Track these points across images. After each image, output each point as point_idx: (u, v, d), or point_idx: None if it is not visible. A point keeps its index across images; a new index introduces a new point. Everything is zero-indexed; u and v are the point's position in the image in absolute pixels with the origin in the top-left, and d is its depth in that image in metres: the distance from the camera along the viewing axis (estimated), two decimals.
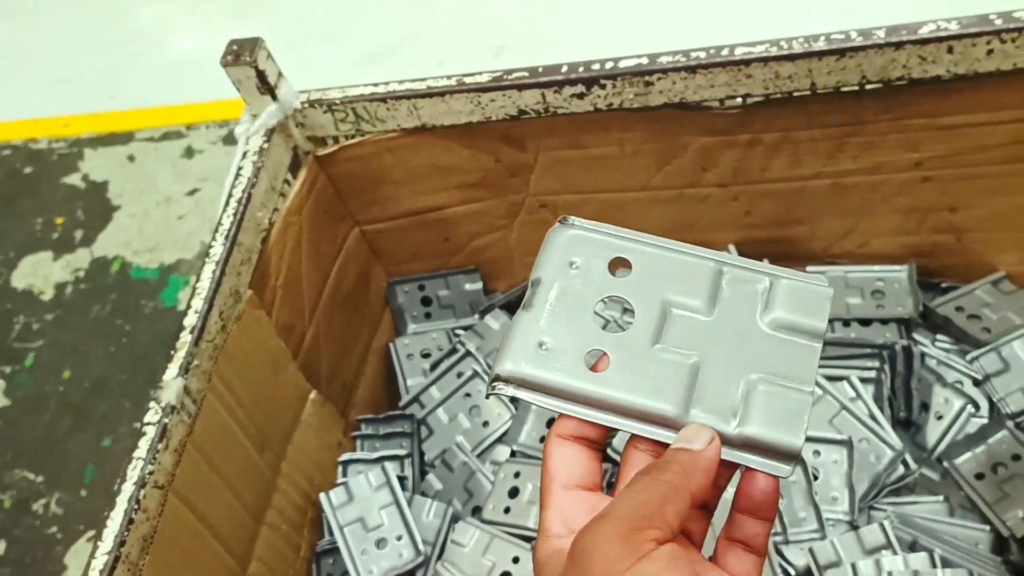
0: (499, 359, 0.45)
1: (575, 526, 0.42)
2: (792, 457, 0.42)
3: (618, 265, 0.47)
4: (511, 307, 1.14)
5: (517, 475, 0.97)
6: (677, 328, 0.45)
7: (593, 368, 0.44)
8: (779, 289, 0.46)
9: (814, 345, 0.45)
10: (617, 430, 0.44)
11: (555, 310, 0.45)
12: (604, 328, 0.45)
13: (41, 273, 1.85)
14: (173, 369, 0.78)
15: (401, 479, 0.98)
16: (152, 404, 0.75)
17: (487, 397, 0.43)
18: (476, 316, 1.16)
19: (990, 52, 0.82)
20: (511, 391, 0.44)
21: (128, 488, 0.71)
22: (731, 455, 0.43)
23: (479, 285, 1.17)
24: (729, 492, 0.45)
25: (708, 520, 0.45)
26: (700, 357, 0.44)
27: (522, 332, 0.45)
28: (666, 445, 0.43)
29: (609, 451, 0.92)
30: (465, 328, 1.15)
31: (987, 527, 0.88)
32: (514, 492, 0.97)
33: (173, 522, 0.74)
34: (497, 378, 0.44)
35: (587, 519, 0.40)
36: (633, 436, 0.44)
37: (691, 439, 0.42)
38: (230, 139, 1.98)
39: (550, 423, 1.01)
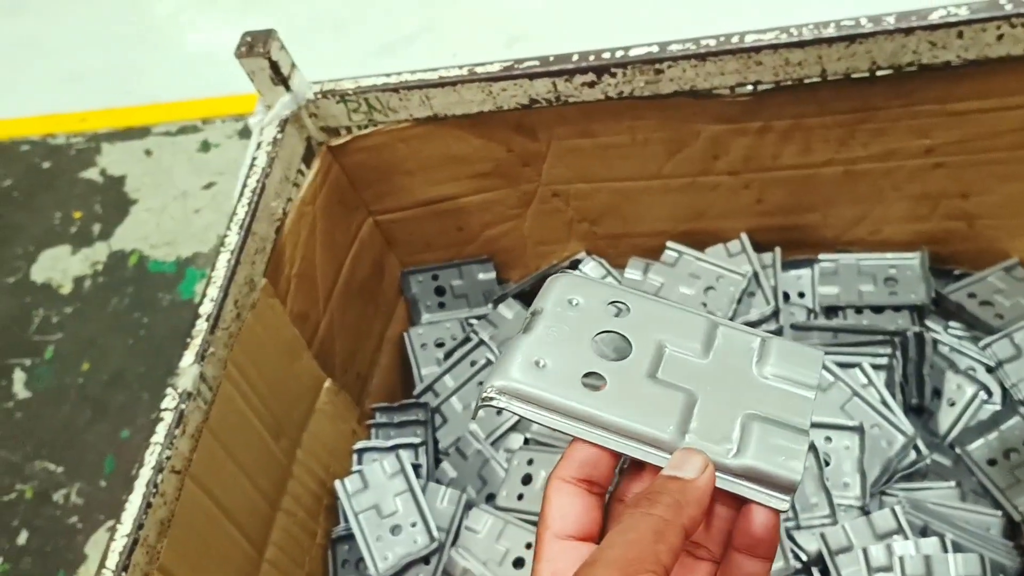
0: (493, 374, 0.45)
1: None
2: (790, 490, 0.42)
3: (616, 306, 0.48)
4: (524, 296, 1.15)
5: (531, 462, 0.98)
6: (673, 365, 0.46)
7: (588, 389, 0.44)
8: (771, 346, 0.47)
9: (807, 394, 0.45)
10: (620, 472, 0.44)
11: (553, 334, 0.46)
12: (601, 356, 0.46)
13: (60, 267, 1.87)
14: (189, 356, 0.79)
15: (415, 467, 0.99)
16: (169, 390, 0.77)
17: (476, 411, 0.42)
18: (489, 306, 1.17)
19: (1000, 37, 0.82)
20: (503, 402, 0.44)
21: (146, 473, 0.72)
22: (727, 484, 0.42)
23: (492, 275, 1.17)
24: None
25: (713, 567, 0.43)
26: (696, 390, 0.45)
27: (519, 351, 0.45)
28: (659, 470, 0.42)
29: None
30: (479, 318, 1.16)
31: (999, 512, 0.88)
32: (527, 479, 0.97)
33: (190, 507, 0.76)
34: (490, 390, 0.44)
35: None
36: (619, 489, 0.44)
37: (681, 465, 0.41)
38: (246, 133, 2.00)
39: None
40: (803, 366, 0.46)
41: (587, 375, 0.45)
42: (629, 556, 0.36)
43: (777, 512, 0.42)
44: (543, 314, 0.47)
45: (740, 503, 0.43)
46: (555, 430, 0.44)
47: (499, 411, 0.44)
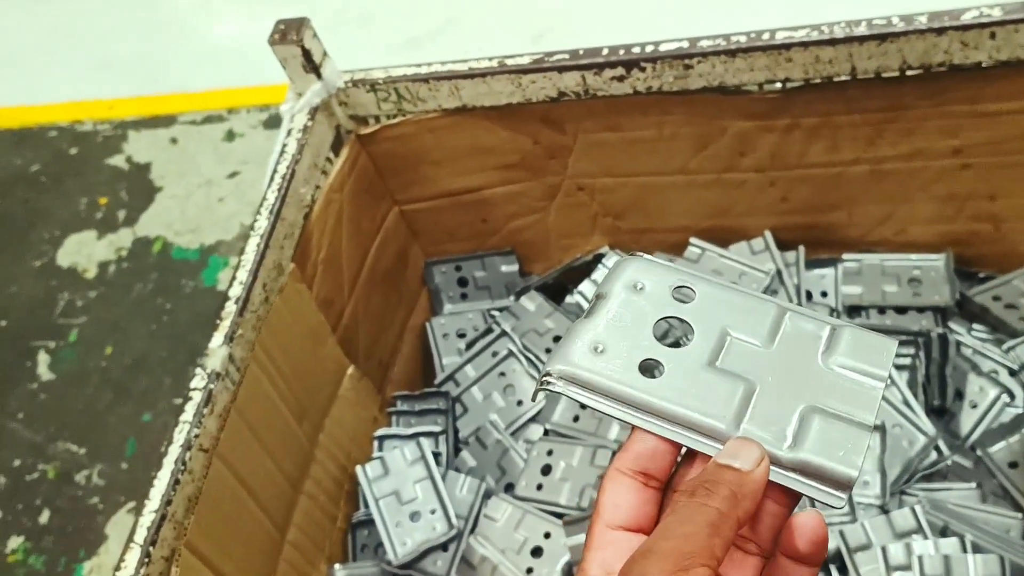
0: (552, 358, 0.44)
1: (613, 570, 0.40)
2: (846, 487, 0.41)
3: (681, 292, 0.47)
4: (547, 289, 1.15)
5: (550, 453, 0.99)
6: (735, 353, 0.45)
7: (646, 376, 0.44)
8: (842, 335, 0.45)
9: (876, 384, 0.43)
10: (678, 463, 0.43)
11: (615, 320, 0.45)
12: (661, 342, 0.45)
13: (85, 252, 1.88)
14: (218, 337, 0.80)
15: (435, 455, 1.00)
16: (198, 370, 0.78)
17: (535, 395, 0.42)
18: (511, 297, 1.17)
19: None
20: (560, 387, 0.44)
21: (175, 450, 0.73)
22: (781, 477, 0.41)
23: (515, 267, 1.18)
24: None
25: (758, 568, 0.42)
26: (756, 380, 0.44)
27: (579, 335, 0.45)
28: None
29: None
30: (500, 309, 1.16)
31: (1019, 515, 0.87)
32: (547, 470, 0.98)
33: (217, 485, 0.77)
34: (548, 375, 0.44)
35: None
36: (673, 479, 0.43)
37: (736, 454, 0.40)
38: (270, 123, 2.01)
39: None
40: (873, 356, 0.44)
41: (645, 361, 0.44)
42: (684, 550, 0.36)
43: (824, 526, 0.41)
44: (607, 298, 0.46)
45: (792, 500, 0.42)
46: (609, 416, 0.44)
47: (558, 395, 0.44)
